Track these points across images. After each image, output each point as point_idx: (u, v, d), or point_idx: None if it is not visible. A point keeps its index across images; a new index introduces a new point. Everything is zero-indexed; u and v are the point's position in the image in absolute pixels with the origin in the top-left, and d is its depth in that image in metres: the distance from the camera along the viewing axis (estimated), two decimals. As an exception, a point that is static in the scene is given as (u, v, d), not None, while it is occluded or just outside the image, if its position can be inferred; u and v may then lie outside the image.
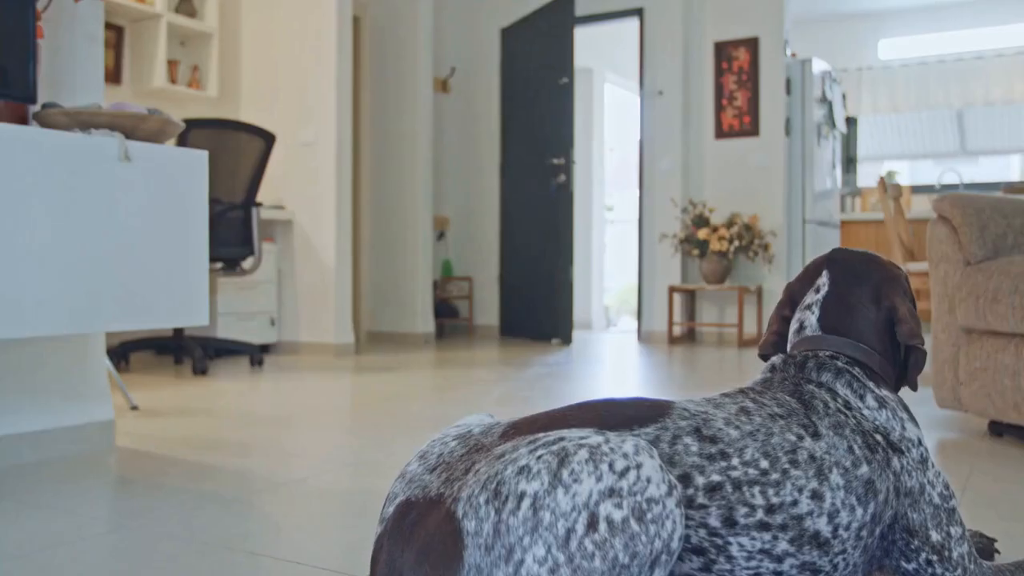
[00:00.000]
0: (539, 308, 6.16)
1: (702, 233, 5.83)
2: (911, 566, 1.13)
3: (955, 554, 1.13)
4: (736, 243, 5.79)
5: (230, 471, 2.08)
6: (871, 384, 1.19)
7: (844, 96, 7.12)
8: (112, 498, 1.86)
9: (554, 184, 5.95)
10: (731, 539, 1.02)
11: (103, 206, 1.89)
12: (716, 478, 1.03)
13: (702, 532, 1.02)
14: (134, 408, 3.01)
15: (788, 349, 1.31)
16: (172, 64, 5.02)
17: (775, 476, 1.04)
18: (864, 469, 1.09)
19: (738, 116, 6.08)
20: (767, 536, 1.02)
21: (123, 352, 4.22)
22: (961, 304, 2.50)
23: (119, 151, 1.87)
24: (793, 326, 1.31)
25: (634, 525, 0.89)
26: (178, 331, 4.37)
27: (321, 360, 4.76)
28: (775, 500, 1.03)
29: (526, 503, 0.89)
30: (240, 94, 5.39)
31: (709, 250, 5.83)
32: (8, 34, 1.84)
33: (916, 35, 7.82)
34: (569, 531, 0.88)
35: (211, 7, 5.15)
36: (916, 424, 1.20)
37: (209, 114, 5.27)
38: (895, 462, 1.13)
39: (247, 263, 4.45)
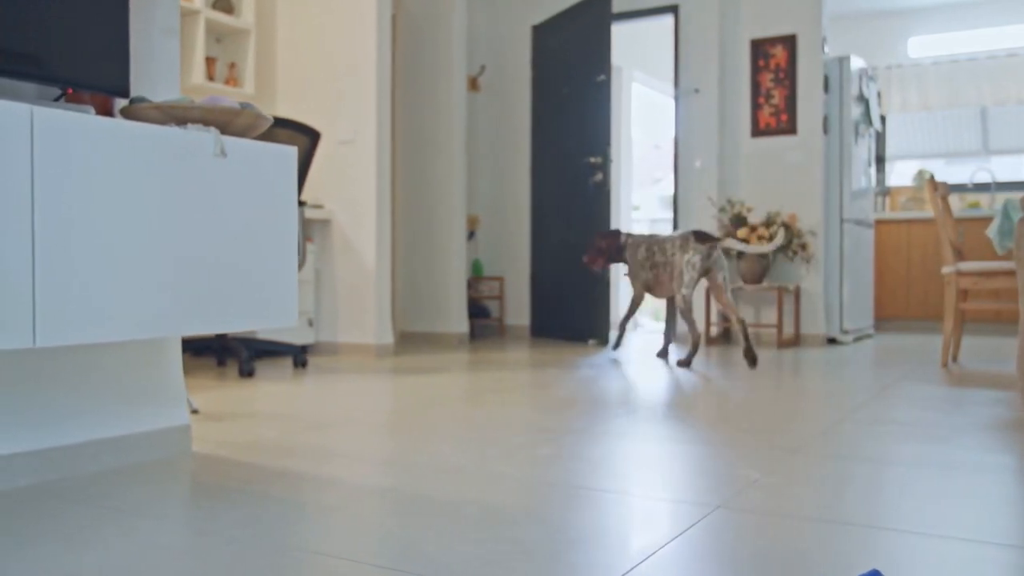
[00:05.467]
0: (574, 308, 6.08)
1: (741, 232, 5.76)
2: None
3: None
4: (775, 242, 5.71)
5: (312, 477, 2.01)
6: None
7: (879, 94, 7.04)
8: (201, 505, 1.79)
9: (591, 183, 5.87)
10: None
11: (198, 203, 1.82)
12: None
13: None
14: (194, 412, 2.94)
15: None
16: (210, 61, 4.96)
17: None
18: None
19: (775, 114, 6.01)
20: None
21: (166, 353, 4.15)
22: (1058, 305, 2.42)
23: (215, 146, 1.81)
24: None
25: None
26: (221, 333, 4.29)
27: (362, 361, 4.70)
28: None
29: None
30: (276, 91, 5.32)
31: (747, 250, 5.76)
32: (104, 25, 1.77)
33: (947, 32, 7.73)
34: None
35: (248, 4, 5.08)
36: None
37: (245, 112, 5.19)
38: None
39: (290, 263, 4.38)
